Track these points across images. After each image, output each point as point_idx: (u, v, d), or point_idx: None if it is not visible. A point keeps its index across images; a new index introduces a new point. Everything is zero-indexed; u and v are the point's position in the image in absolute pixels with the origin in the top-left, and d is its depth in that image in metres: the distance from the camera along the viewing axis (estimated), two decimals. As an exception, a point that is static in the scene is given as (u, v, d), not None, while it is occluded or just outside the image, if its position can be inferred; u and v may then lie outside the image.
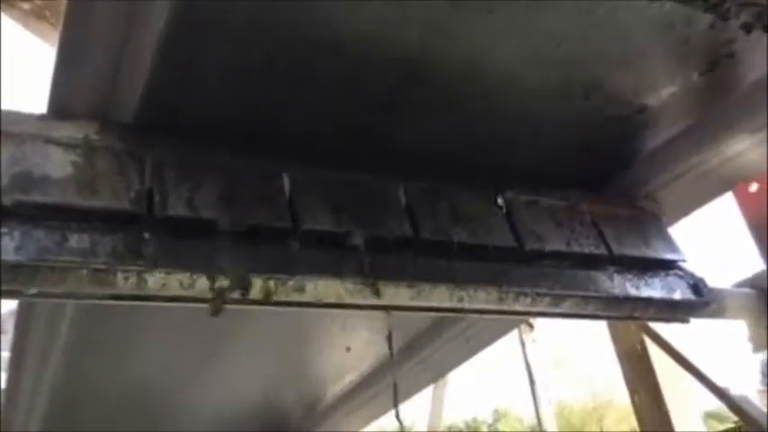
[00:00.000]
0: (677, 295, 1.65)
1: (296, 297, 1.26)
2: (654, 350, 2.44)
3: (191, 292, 1.17)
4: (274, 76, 1.30)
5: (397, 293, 1.34)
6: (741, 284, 2.06)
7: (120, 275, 1.12)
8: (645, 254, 1.66)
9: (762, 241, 2.22)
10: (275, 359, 2.55)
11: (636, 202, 1.78)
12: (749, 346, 2.10)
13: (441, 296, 1.39)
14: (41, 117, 1.21)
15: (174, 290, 1.16)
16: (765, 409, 2.16)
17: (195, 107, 1.32)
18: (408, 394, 2.89)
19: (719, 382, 2.25)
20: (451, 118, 1.51)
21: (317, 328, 2.34)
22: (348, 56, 1.28)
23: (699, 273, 1.72)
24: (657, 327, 2.36)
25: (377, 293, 1.31)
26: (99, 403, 2.53)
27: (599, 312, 1.60)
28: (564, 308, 1.53)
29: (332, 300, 1.30)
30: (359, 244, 1.34)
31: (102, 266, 1.10)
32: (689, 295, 1.67)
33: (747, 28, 1.06)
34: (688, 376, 2.38)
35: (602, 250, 1.60)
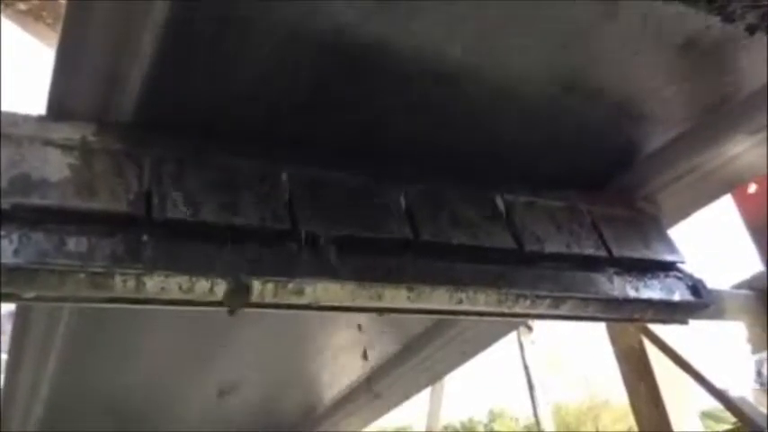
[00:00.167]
0: (676, 297, 1.65)
1: (295, 300, 1.25)
2: (652, 350, 2.45)
3: (190, 296, 1.16)
4: (274, 76, 1.29)
5: (396, 296, 1.34)
6: (739, 286, 2.06)
7: (118, 279, 1.11)
8: (644, 255, 1.66)
9: (760, 242, 2.23)
10: (274, 360, 2.55)
11: (635, 203, 1.78)
12: (748, 347, 2.11)
13: (440, 298, 1.38)
14: (39, 119, 1.21)
15: (174, 293, 1.15)
16: (763, 409, 2.16)
17: (194, 108, 1.32)
18: (407, 395, 2.89)
19: (717, 382, 2.25)
20: (451, 119, 1.51)
21: (316, 330, 2.33)
22: (348, 56, 1.27)
23: (698, 274, 1.72)
24: (656, 327, 2.37)
25: (376, 296, 1.31)
26: (97, 405, 2.52)
27: (599, 314, 1.60)
28: (564, 310, 1.52)
29: (331, 302, 1.29)
30: (358, 246, 1.33)
31: (101, 270, 1.09)
32: (688, 297, 1.67)
33: (752, 29, 1.06)
34: (686, 376, 2.38)
35: (601, 252, 1.60)
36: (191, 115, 1.32)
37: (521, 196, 1.61)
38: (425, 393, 3.86)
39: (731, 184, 1.88)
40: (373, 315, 1.45)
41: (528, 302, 1.47)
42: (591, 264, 1.59)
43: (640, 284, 1.61)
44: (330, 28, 1.21)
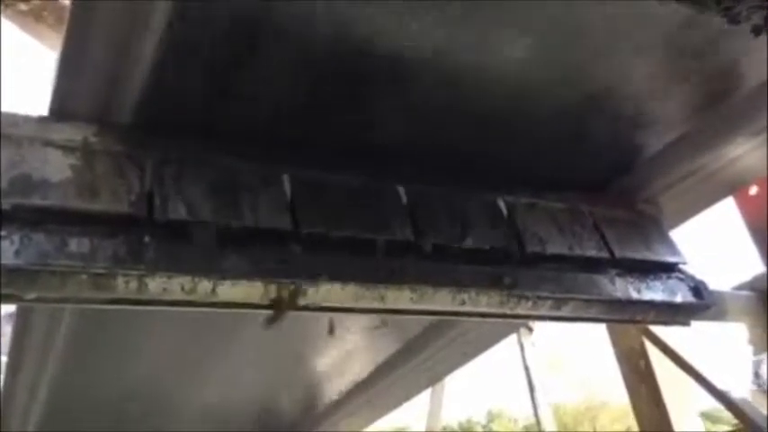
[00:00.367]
0: (678, 298, 1.65)
1: (298, 301, 1.25)
2: (653, 351, 2.44)
3: (192, 297, 1.16)
4: (275, 77, 1.29)
5: (399, 297, 1.33)
6: (741, 287, 2.06)
7: (120, 280, 1.10)
8: (646, 257, 1.65)
9: (761, 244, 2.22)
10: (274, 361, 2.54)
11: (636, 205, 1.78)
12: (749, 348, 2.10)
13: (442, 299, 1.38)
14: (40, 119, 1.20)
15: (176, 294, 1.14)
16: (762, 410, 2.16)
17: (195, 110, 1.31)
18: (407, 397, 2.89)
19: (718, 383, 2.25)
20: (452, 121, 1.51)
21: (316, 330, 2.33)
22: (350, 57, 1.27)
23: (699, 276, 1.72)
24: (656, 328, 2.36)
25: (379, 297, 1.31)
26: (97, 405, 2.52)
27: (601, 316, 1.59)
28: (565, 311, 1.52)
29: (334, 304, 1.29)
30: (360, 247, 1.33)
31: (103, 271, 1.09)
32: (690, 298, 1.66)
33: (757, 31, 1.06)
34: (686, 377, 2.38)
35: (603, 253, 1.59)
36: (192, 117, 1.32)
37: (522, 198, 1.61)
38: (425, 394, 3.86)
39: (733, 185, 1.88)
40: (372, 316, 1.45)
41: (530, 304, 1.47)
42: (593, 265, 1.59)
43: (642, 286, 1.61)
44: (331, 29, 1.21)
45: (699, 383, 2.24)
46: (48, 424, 2.39)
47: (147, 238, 1.14)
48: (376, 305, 1.32)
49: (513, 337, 3.73)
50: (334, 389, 2.86)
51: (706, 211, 1.91)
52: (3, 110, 1.17)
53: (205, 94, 1.30)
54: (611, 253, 1.60)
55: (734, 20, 1.02)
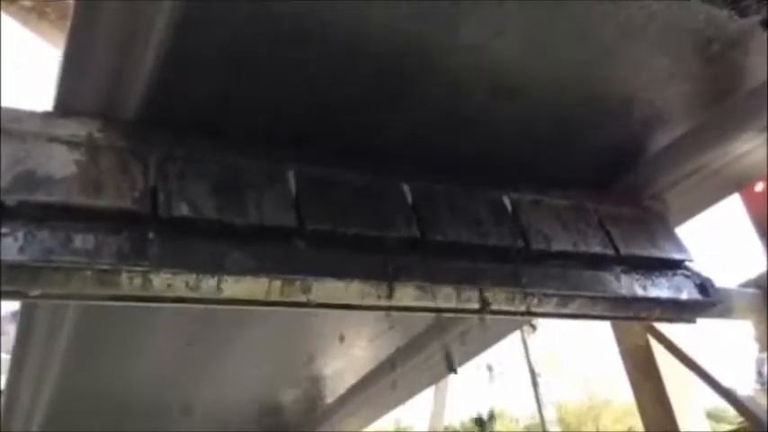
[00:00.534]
0: (684, 295, 1.64)
1: (302, 298, 1.25)
2: (658, 349, 2.44)
3: (196, 293, 1.15)
4: (279, 73, 1.28)
5: (404, 294, 1.33)
6: (747, 284, 2.05)
7: (124, 276, 1.10)
8: (652, 254, 1.65)
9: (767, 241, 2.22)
10: (277, 359, 2.54)
11: (642, 202, 1.77)
12: (755, 345, 2.10)
13: (448, 297, 1.38)
14: (44, 115, 1.20)
15: (180, 291, 1.14)
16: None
17: (200, 107, 1.31)
18: (410, 395, 2.88)
19: (723, 381, 2.24)
20: (457, 118, 1.50)
21: (319, 328, 2.33)
22: (351, 53, 1.26)
23: (705, 273, 1.71)
24: (661, 326, 2.36)
25: (384, 294, 1.30)
26: (100, 404, 2.51)
27: (606, 313, 1.59)
28: (571, 308, 1.52)
29: (339, 301, 1.28)
30: (366, 244, 1.32)
31: (107, 267, 1.08)
32: (696, 295, 1.66)
33: (766, 24, 1.05)
34: (689, 374, 2.37)
35: (609, 250, 1.59)
36: (196, 114, 1.31)
37: (527, 195, 1.61)
38: (428, 392, 3.85)
39: (738, 182, 1.87)
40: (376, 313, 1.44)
41: (535, 301, 1.46)
42: (598, 262, 1.58)
43: (648, 283, 1.60)
44: (336, 28, 1.20)
45: (704, 381, 2.24)
46: (51, 422, 2.39)
47: (151, 235, 1.14)
48: (381, 302, 1.31)
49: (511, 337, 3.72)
50: (336, 388, 2.86)
51: (712, 207, 1.90)
52: (7, 106, 1.16)
53: (209, 91, 1.29)
54: (617, 250, 1.60)
55: (743, 13, 1.02)
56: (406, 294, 1.33)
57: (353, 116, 1.43)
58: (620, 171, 1.78)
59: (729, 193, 1.87)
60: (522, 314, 1.55)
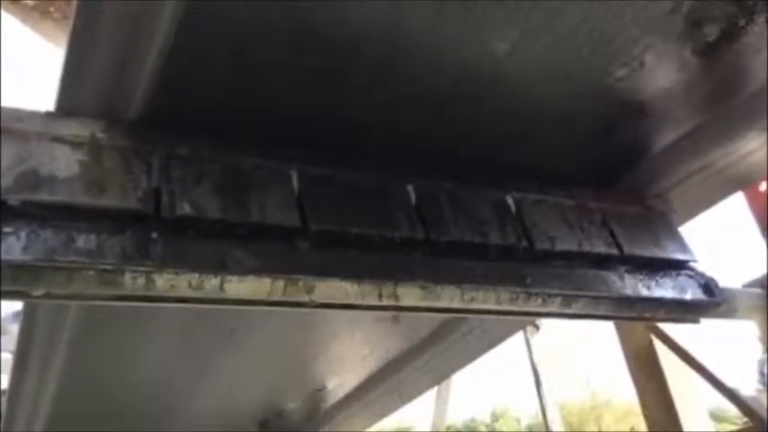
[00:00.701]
0: (688, 296, 1.63)
1: (306, 298, 1.24)
2: (661, 348, 2.43)
3: (199, 294, 1.15)
4: (282, 73, 1.28)
5: (407, 294, 1.33)
6: (751, 284, 2.05)
7: (127, 276, 1.10)
8: (656, 254, 1.64)
9: (771, 241, 2.21)
10: (280, 359, 2.54)
11: (646, 201, 1.77)
12: (759, 346, 2.09)
13: (451, 297, 1.37)
14: (47, 115, 1.20)
15: (183, 291, 1.14)
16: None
17: (203, 105, 1.31)
18: (412, 396, 2.88)
19: (726, 381, 2.24)
20: (459, 118, 1.50)
21: (322, 328, 2.32)
22: (359, 55, 1.26)
23: (710, 273, 1.71)
24: (665, 326, 2.35)
25: (387, 294, 1.30)
26: (102, 405, 2.51)
27: (610, 313, 1.58)
28: (575, 308, 1.51)
29: (342, 301, 1.28)
30: (369, 244, 1.32)
31: (110, 267, 1.08)
32: (700, 295, 1.65)
33: (772, 23, 1.04)
34: (692, 374, 2.37)
35: (613, 250, 1.58)
36: (200, 113, 1.31)
37: (530, 194, 1.60)
38: (431, 393, 3.85)
39: (743, 181, 1.86)
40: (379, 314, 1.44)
41: (539, 301, 1.46)
42: (602, 262, 1.57)
43: (652, 283, 1.60)
44: (340, 28, 1.20)
45: (707, 381, 2.23)
46: (54, 422, 2.39)
47: (154, 235, 1.13)
48: (384, 302, 1.31)
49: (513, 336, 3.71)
50: (338, 388, 2.86)
51: (715, 207, 1.89)
52: (9, 105, 1.16)
53: (212, 91, 1.29)
54: (621, 250, 1.59)
55: (749, 12, 1.01)
56: (410, 294, 1.33)
57: (358, 115, 1.43)
58: (624, 170, 1.78)
59: (733, 192, 1.86)
60: (526, 314, 1.55)
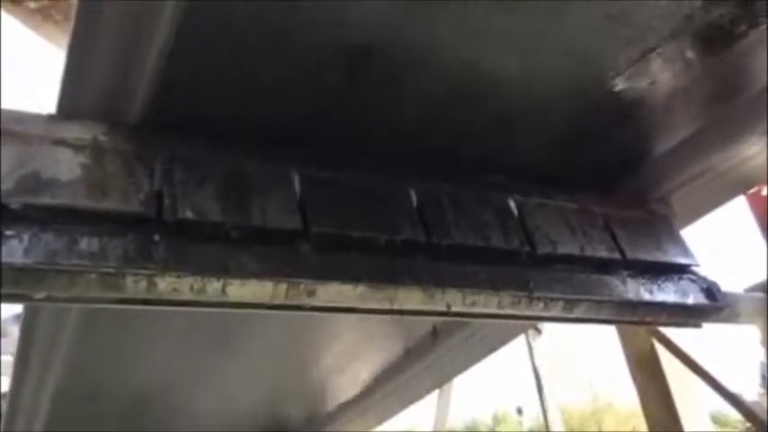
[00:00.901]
0: (690, 300, 1.63)
1: (307, 301, 1.24)
2: (663, 352, 2.43)
3: (201, 297, 1.15)
4: (285, 78, 1.28)
5: (409, 297, 1.32)
6: (753, 289, 2.05)
7: (129, 279, 1.09)
8: (658, 258, 1.64)
9: (773, 245, 2.20)
10: (281, 361, 2.54)
11: (648, 205, 1.76)
12: (761, 350, 2.08)
13: (453, 300, 1.37)
14: (49, 118, 1.20)
15: (185, 294, 1.13)
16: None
17: (205, 108, 1.31)
18: (415, 398, 2.88)
19: (728, 385, 2.23)
20: (460, 120, 1.50)
21: (324, 331, 2.32)
22: (356, 55, 1.26)
23: (711, 277, 1.70)
24: (667, 330, 2.35)
25: (389, 298, 1.30)
26: (102, 408, 2.51)
27: (612, 317, 1.58)
28: (577, 313, 1.51)
29: (344, 304, 1.28)
30: (371, 247, 1.32)
31: (112, 270, 1.08)
32: (702, 300, 1.65)
33: (776, 27, 1.04)
34: (694, 378, 2.36)
35: (615, 254, 1.58)
36: (201, 116, 1.31)
37: (532, 198, 1.60)
38: (432, 396, 3.85)
39: (744, 185, 1.86)
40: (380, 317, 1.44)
41: (541, 305, 1.46)
42: (604, 266, 1.57)
43: (654, 287, 1.60)
44: (340, 29, 1.20)
45: (709, 385, 2.22)
46: (53, 425, 2.39)
47: (156, 238, 1.13)
48: (386, 306, 1.31)
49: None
50: (342, 391, 2.85)
51: (717, 210, 1.89)
52: (11, 108, 1.16)
53: (214, 94, 1.29)
54: (623, 254, 1.59)
55: (752, 15, 1.01)
56: (412, 297, 1.33)
57: (360, 119, 1.43)
58: (626, 173, 1.78)
59: (734, 195, 1.86)
60: (528, 318, 1.55)
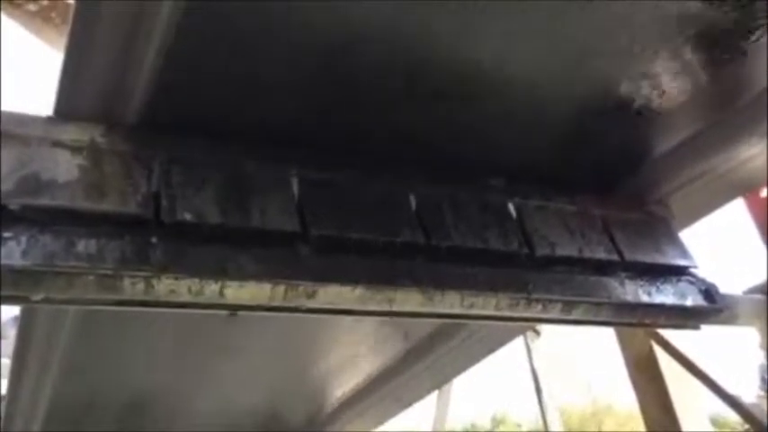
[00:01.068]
0: (689, 302, 1.63)
1: (306, 303, 1.24)
2: (662, 355, 2.43)
3: (199, 299, 1.15)
4: (284, 79, 1.28)
5: (407, 299, 1.32)
6: (752, 291, 2.04)
7: (127, 281, 1.09)
8: (656, 260, 1.64)
9: (772, 246, 2.20)
10: (281, 362, 2.54)
11: (646, 206, 1.76)
12: (760, 352, 2.08)
13: (452, 302, 1.37)
14: (47, 119, 1.20)
15: (183, 296, 1.13)
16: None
17: (203, 109, 1.31)
18: (414, 399, 2.88)
19: (727, 387, 2.23)
20: (460, 121, 1.50)
21: (323, 332, 2.32)
22: (354, 56, 1.26)
23: (710, 279, 1.70)
24: (666, 332, 2.35)
25: (388, 300, 1.29)
26: (99, 409, 2.51)
27: (611, 319, 1.58)
28: (575, 314, 1.51)
29: (342, 306, 1.28)
30: (370, 249, 1.32)
31: (110, 272, 1.08)
32: (700, 302, 1.65)
33: (775, 29, 1.04)
34: (693, 380, 2.36)
35: (613, 256, 1.58)
36: (199, 117, 1.31)
37: (531, 200, 1.60)
38: (431, 397, 3.84)
39: (743, 187, 1.86)
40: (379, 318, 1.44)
41: (540, 307, 1.46)
42: (603, 268, 1.57)
43: (653, 289, 1.60)
44: (339, 28, 1.20)
45: (708, 387, 2.22)
46: (52, 424, 2.38)
47: (154, 239, 1.13)
48: (385, 307, 1.31)
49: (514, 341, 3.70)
50: (340, 392, 2.85)
51: (716, 212, 1.89)
52: (11, 110, 1.16)
53: (212, 95, 1.29)
54: (621, 256, 1.59)
55: (751, 17, 1.01)
56: (410, 300, 1.33)
57: (359, 120, 1.43)
58: (625, 175, 1.77)
59: (733, 197, 1.86)
60: (526, 320, 1.55)
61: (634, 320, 1.62)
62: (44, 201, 1.07)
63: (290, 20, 1.16)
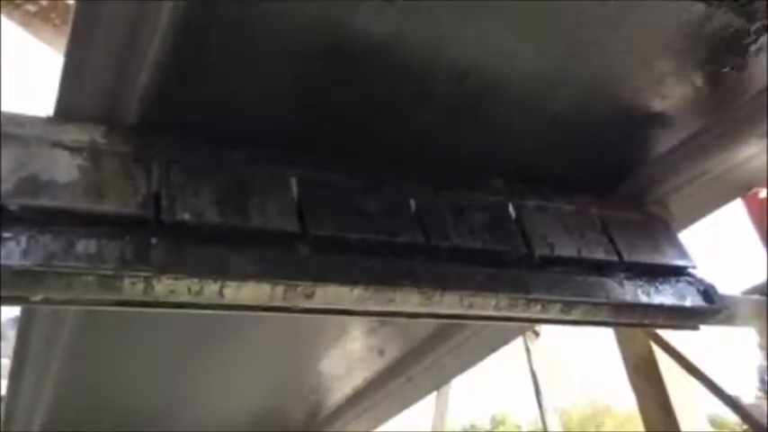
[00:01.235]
0: (688, 302, 1.63)
1: (305, 303, 1.24)
2: (661, 355, 2.43)
3: (199, 299, 1.15)
4: (283, 79, 1.28)
5: (407, 300, 1.32)
6: (751, 291, 2.05)
7: (127, 281, 1.10)
8: (655, 260, 1.64)
9: (771, 247, 2.21)
10: (280, 363, 2.54)
11: (646, 207, 1.77)
12: (759, 353, 2.09)
13: (451, 303, 1.37)
14: (47, 120, 1.20)
15: (183, 296, 1.14)
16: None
17: (203, 110, 1.31)
18: (413, 400, 2.88)
19: (726, 388, 2.23)
20: (461, 123, 1.50)
21: (322, 332, 2.32)
22: (354, 58, 1.26)
23: (709, 279, 1.70)
24: (664, 333, 2.35)
25: (387, 300, 1.30)
26: (99, 410, 2.51)
27: (610, 319, 1.58)
28: (575, 315, 1.51)
29: (342, 306, 1.28)
30: (369, 250, 1.32)
31: (109, 272, 1.08)
32: (699, 302, 1.65)
33: (772, 29, 1.04)
34: (692, 381, 2.36)
35: (612, 256, 1.58)
36: (199, 118, 1.31)
37: (531, 200, 1.60)
38: (431, 397, 3.84)
39: (742, 187, 1.86)
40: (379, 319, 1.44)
41: (539, 307, 1.46)
42: (602, 268, 1.57)
43: (651, 289, 1.60)
44: (340, 30, 1.20)
45: (707, 388, 2.22)
46: (51, 425, 2.38)
47: (154, 240, 1.13)
48: (384, 308, 1.31)
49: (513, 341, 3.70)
50: (339, 392, 2.85)
51: (714, 213, 1.89)
52: (11, 110, 1.16)
53: (212, 96, 1.29)
54: (620, 256, 1.59)
55: (750, 17, 1.01)
56: (410, 300, 1.33)
57: (358, 121, 1.43)
58: (624, 175, 1.78)
59: (732, 198, 1.87)
60: (525, 320, 1.55)
61: (633, 321, 1.63)
62: (44, 201, 1.08)
63: (290, 21, 1.16)
